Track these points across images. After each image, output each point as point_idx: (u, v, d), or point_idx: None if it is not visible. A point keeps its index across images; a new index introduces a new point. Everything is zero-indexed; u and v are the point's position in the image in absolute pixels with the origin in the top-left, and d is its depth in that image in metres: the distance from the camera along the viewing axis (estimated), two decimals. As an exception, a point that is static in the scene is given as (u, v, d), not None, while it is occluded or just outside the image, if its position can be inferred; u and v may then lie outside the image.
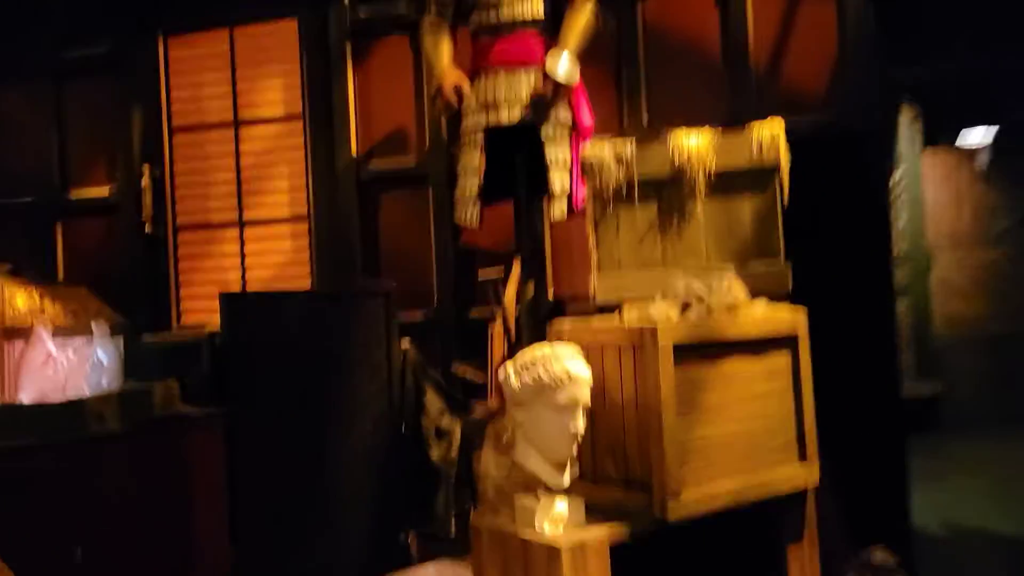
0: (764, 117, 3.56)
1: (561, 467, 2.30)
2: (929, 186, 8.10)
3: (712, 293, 2.53)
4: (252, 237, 4.46)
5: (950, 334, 8.01)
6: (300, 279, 4.37)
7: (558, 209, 3.49)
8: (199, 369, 3.06)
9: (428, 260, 4.16)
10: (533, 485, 2.33)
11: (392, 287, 3.52)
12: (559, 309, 3.77)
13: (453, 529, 3.35)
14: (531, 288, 3.55)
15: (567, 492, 2.30)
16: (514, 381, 2.32)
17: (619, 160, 3.15)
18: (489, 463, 2.60)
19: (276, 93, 4.47)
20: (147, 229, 4.45)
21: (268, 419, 3.13)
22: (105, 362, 2.98)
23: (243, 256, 4.48)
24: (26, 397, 2.76)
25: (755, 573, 2.66)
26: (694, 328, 2.42)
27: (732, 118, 3.71)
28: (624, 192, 3.14)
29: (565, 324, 2.61)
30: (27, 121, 4.67)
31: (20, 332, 2.81)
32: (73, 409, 2.68)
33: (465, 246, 4.04)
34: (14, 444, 2.53)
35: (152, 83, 4.54)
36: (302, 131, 4.40)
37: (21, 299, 2.93)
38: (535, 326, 3.45)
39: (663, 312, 2.50)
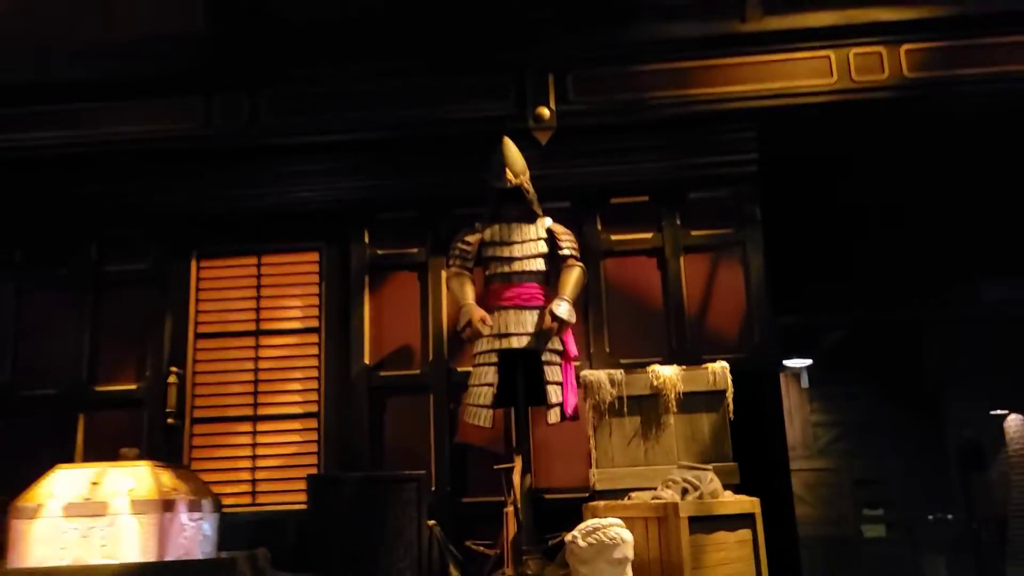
0: (695, 353, 4.86)
1: (614, 607, 3.21)
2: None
3: (702, 484, 3.61)
4: (263, 430, 5.18)
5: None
6: (307, 468, 5.08)
7: (553, 415, 4.50)
8: (285, 540, 3.74)
9: (427, 453, 5.01)
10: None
11: (423, 475, 4.37)
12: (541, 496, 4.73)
13: None
14: (528, 478, 4.51)
15: (617, 626, 3.20)
16: (581, 543, 3.26)
17: (612, 382, 4.28)
18: None
19: (296, 310, 5.36)
20: (169, 420, 5.07)
21: (336, 583, 3.82)
22: (209, 532, 3.61)
23: (255, 445, 5.16)
24: (172, 556, 3.33)
25: None
26: (697, 507, 3.47)
27: (671, 353, 4.99)
28: (616, 406, 4.25)
29: (600, 503, 3.58)
30: (64, 324, 5.28)
31: (167, 505, 3.40)
32: (207, 567, 3.32)
33: (460, 443, 5.00)
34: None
35: (183, 296, 5.32)
36: (317, 342, 5.28)
37: (166, 478, 3.54)
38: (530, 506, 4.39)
39: (671, 496, 3.54)
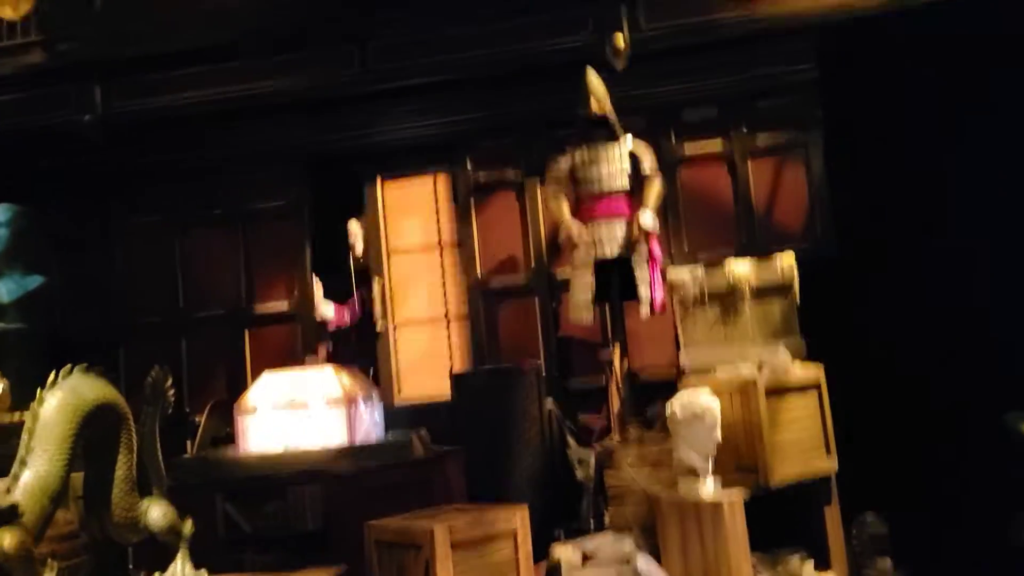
0: (764, 246, 5.56)
1: (707, 459, 4.08)
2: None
3: (775, 359, 4.41)
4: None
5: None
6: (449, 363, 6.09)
7: (644, 311, 5.31)
8: (438, 423, 4.71)
9: (536, 346, 5.92)
10: (690, 473, 4.10)
11: (539, 365, 5.28)
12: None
13: (592, 524, 5.02)
14: (625, 362, 5.39)
15: (711, 474, 4.08)
16: (678, 411, 4.11)
17: (694, 279, 5.06)
18: (628, 472, 4.40)
19: (418, 230, 6.26)
20: (378, 328, 6.06)
21: (479, 454, 4.79)
22: (379, 420, 4.59)
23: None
24: (360, 438, 4.33)
25: (804, 523, 4.45)
26: (770, 379, 4.27)
27: (743, 247, 5.70)
28: (698, 299, 5.04)
29: (690, 380, 4.42)
30: (223, 256, 6.26)
31: (350, 400, 4.37)
32: (387, 446, 4.30)
33: (564, 336, 5.89)
34: (367, 465, 4.14)
35: (321, 224, 6.25)
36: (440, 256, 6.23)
37: (345, 378, 4.51)
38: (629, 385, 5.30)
39: (749, 371, 4.35)
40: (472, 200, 6.14)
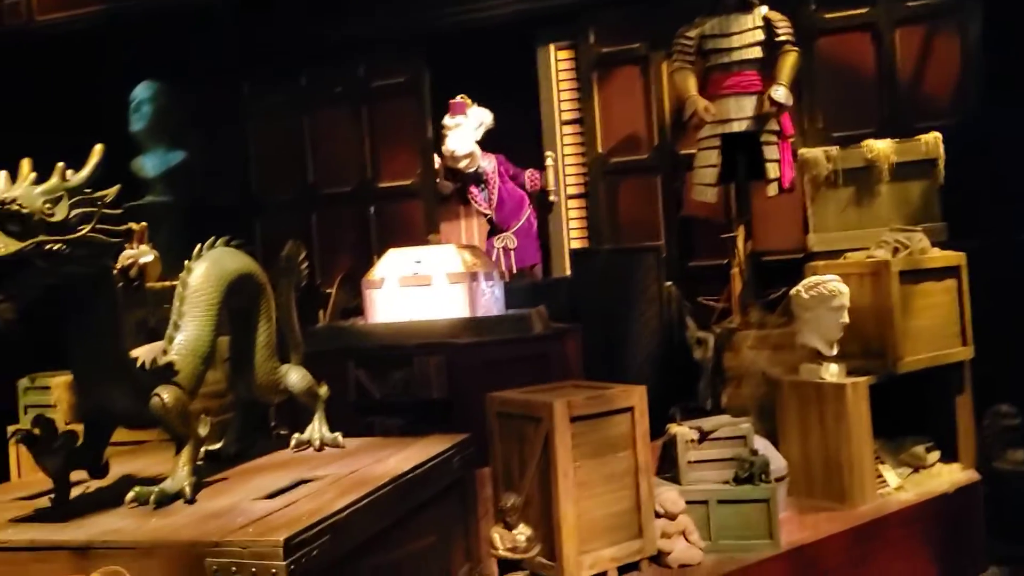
0: (908, 123, 5.20)
1: (832, 344, 3.98)
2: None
3: (912, 243, 4.20)
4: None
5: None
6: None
7: (772, 189, 5.12)
8: (557, 300, 4.76)
9: (657, 226, 5.83)
10: (813, 357, 4.02)
11: (660, 245, 5.21)
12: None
13: (709, 405, 5.04)
14: (749, 244, 5.25)
15: (834, 359, 3.99)
16: (804, 294, 4.00)
17: (828, 158, 4.81)
18: (747, 355, 4.34)
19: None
20: (552, 198, 6.19)
21: (597, 333, 4.83)
22: (499, 296, 4.69)
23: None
24: (481, 313, 4.46)
25: (932, 412, 4.33)
26: (906, 262, 4.08)
27: (883, 124, 5.35)
28: (831, 179, 4.81)
29: (819, 263, 4.28)
30: (347, 133, 6.38)
31: (472, 276, 4.49)
32: (508, 321, 4.40)
33: (686, 216, 5.76)
34: (487, 338, 4.26)
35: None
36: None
37: (467, 255, 4.62)
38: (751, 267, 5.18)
39: (883, 254, 4.16)
40: (594, 75, 5.96)
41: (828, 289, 3.93)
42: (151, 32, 6.06)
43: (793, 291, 4.06)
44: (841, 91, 5.51)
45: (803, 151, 4.92)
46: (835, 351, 3.96)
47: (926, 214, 4.67)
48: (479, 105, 6.10)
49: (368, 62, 6.33)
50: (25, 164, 2.00)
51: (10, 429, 4.01)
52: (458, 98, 6.06)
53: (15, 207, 1.87)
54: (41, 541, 1.98)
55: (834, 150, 4.81)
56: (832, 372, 3.94)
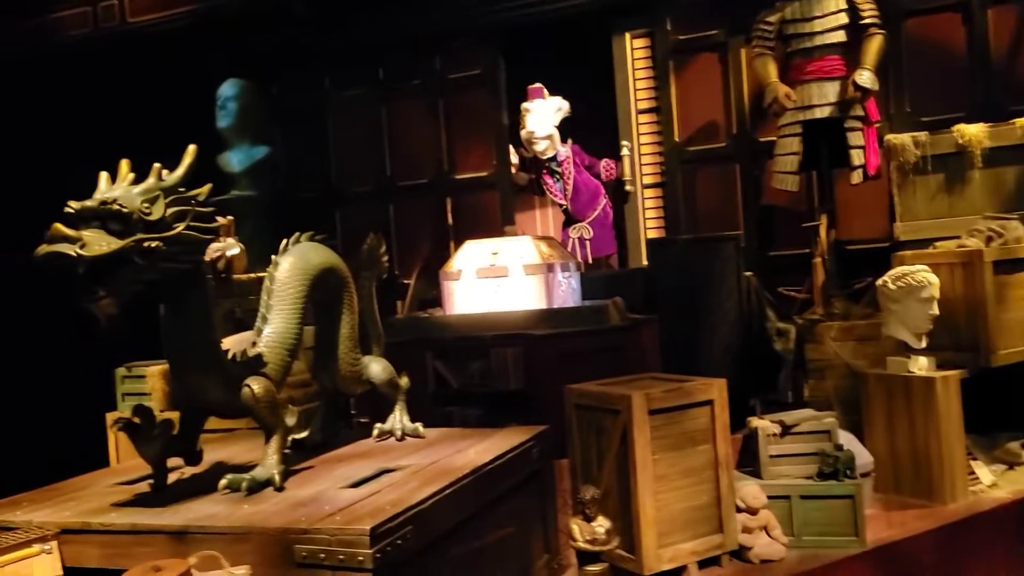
0: (1003, 106, 4.99)
1: (920, 337, 3.85)
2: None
3: (1007, 231, 4.03)
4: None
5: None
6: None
7: (856, 176, 4.97)
8: (634, 291, 4.72)
9: (735, 215, 5.73)
10: (900, 350, 3.90)
11: (740, 235, 5.12)
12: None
13: (790, 397, 4.94)
14: (832, 233, 5.11)
15: (923, 352, 3.86)
16: (891, 285, 3.88)
17: (916, 144, 4.65)
18: (831, 346, 4.23)
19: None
20: (627, 187, 6.18)
21: (675, 324, 4.78)
22: (576, 287, 4.68)
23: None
24: (558, 304, 4.47)
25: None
26: (1000, 251, 3.92)
27: (975, 108, 5.13)
28: (920, 165, 4.64)
29: (907, 253, 4.14)
30: (423, 125, 6.45)
31: (549, 267, 4.51)
32: (584, 312, 4.39)
33: (766, 205, 5.65)
34: (564, 330, 4.26)
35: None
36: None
37: (544, 246, 4.64)
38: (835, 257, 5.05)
39: (976, 244, 4.01)
40: (671, 63, 5.88)
41: (917, 280, 3.81)
42: (235, 31, 6.23)
43: (879, 282, 3.94)
44: (929, 74, 5.31)
45: (889, 137, 4.77)
46: (924, 344, 3.83)
47: (1021, 201, 4.47)
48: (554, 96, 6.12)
49: (444, 54, 6.38)
50: (124, 164, 2.09)
51: (109, 417, 4.21)
52: (536, 84, 6.08)
53: (116, 207, 1.96)
54: (142, 525, 2.07)
55: (923, 135, 4.64)
56: (921, 365, 3.82)
